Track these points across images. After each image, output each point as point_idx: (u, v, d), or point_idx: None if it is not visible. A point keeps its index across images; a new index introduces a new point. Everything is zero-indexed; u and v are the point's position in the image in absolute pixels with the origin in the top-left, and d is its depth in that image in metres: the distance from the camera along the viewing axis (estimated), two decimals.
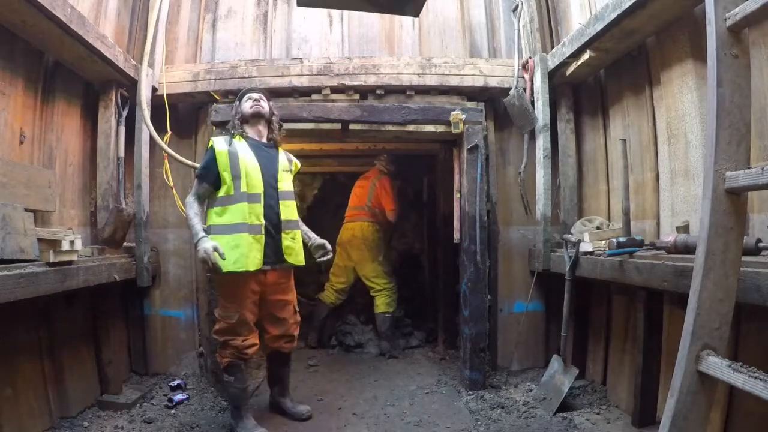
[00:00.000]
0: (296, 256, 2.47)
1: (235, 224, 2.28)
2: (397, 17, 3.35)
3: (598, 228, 2.72)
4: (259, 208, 2.33)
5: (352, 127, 3.10)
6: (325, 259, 2.59)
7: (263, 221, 2.34)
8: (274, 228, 2.39)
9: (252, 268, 2.27)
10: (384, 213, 4.20)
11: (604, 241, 2.48)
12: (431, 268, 5.03)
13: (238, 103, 2.56)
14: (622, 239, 2.23)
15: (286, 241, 2.43)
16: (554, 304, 3.18)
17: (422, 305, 5.02)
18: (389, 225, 4.33)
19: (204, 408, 2.72)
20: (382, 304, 4.06)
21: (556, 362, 2.78)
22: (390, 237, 4.81)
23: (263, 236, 2.33)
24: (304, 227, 2.66)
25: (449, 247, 3.79)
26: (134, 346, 3.13)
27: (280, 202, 2.43)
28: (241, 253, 2.25)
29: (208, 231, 2.31)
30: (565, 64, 2.83)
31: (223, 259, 2.18)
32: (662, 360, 2.26)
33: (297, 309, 2.61)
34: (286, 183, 2.50)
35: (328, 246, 2.62)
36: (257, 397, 2.94)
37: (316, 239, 2.63)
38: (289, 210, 2.47)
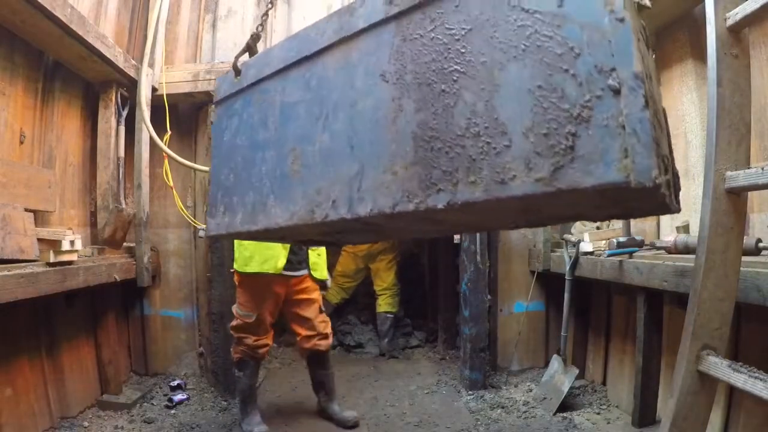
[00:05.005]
0: (321, 271, 2.54)
1: None
2: None
3: (598, 228, 2.72)
4: None
5: None
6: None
7: None
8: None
9: (279, 271, 2.34)
10: None
11: (604, 241, 2.48)
12: (431, 268, 5.02)
13: None
14: (622, 239, 2.24)
15: (313, 257, 2.49)
16: (554, 304, 3.18)
17: (422, 305, 5.01)
18: None
19: (204, 408, 2.72)
20: (385, 303, 4.05)
21: (556, 362, 2.78)
22: None
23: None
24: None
25: (449, 247, 3.79)
26: (134, 346, 3.14)
27: None
28: (272, 255, 2.32)
29: None
30: None
31: None
32: (662, 360, 2.26)
33: (323, 309, 2.59)
34: None
35: (328, 284, 2.71)
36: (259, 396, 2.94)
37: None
38: None
